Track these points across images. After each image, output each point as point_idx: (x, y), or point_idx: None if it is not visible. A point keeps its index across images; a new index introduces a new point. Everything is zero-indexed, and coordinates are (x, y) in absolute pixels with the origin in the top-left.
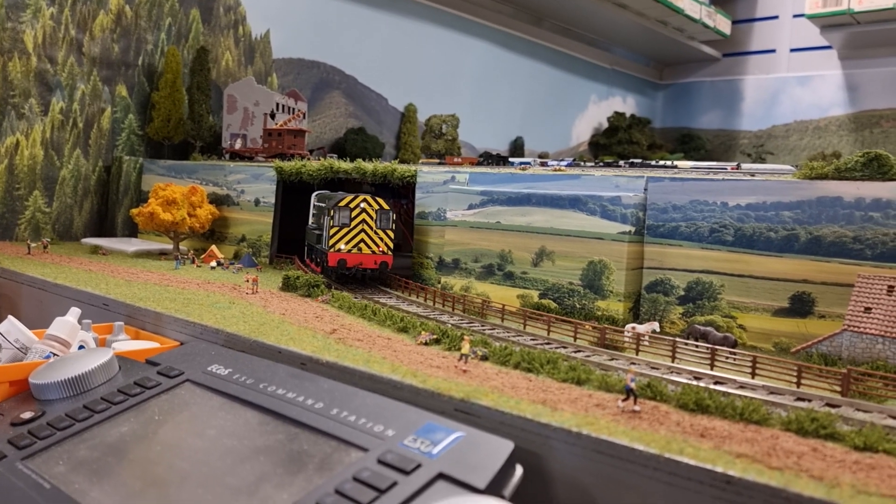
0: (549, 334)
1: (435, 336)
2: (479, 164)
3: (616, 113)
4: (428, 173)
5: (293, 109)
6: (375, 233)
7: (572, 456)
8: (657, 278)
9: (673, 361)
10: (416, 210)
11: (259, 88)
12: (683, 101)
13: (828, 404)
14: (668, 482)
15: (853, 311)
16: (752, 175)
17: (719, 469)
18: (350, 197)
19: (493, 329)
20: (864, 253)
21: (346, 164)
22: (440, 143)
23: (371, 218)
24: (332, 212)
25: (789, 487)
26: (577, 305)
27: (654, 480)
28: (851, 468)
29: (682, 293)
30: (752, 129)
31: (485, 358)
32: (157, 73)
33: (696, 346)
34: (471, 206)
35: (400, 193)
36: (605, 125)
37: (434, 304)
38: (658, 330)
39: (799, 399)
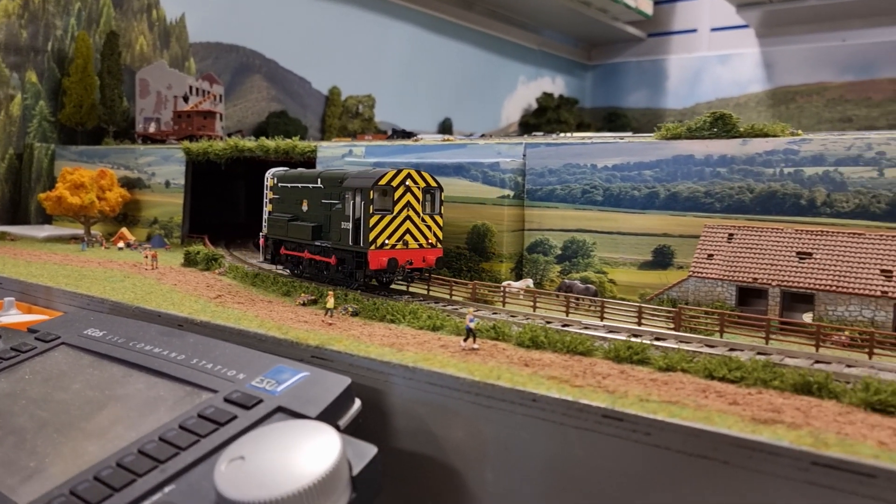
0: (428, 293)
1: (313, 297)
2: (388, 139)
3: (545, 93)
4: (327, 148)
5: (208, 93)
6: (422, 220)
7: (409, 389)
8: (537, 239)
9: (534, 310)
10: None
11: (171, 72)
12: (611, 80)
13: (656, 338)
14: (487, 405)
15: (698, 259)
16: (622, 138)
17: (528, 389)
18: (391, 172)
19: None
20: (714, 206)
21: (250, 143)
22: (356, 122)
23: (417, 200)
24: (369, 194)
25: (581, 400)
26: (464, 268)
27: (476, 405)
28: (646, 384)
29: (560, 252)
30: (677, 108)
31: (355, 313)
32: (67, 58)
33: (557, 296)
34: None
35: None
36: (535, 106)
37: None
38: (532, 286)
39: (633, 335)
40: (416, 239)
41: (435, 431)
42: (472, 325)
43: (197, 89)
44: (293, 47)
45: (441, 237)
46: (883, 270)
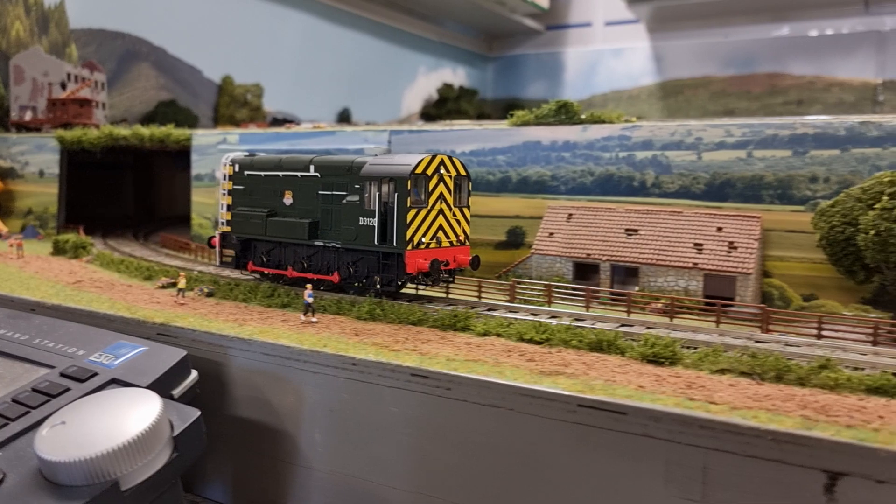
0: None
1: (172, 280)
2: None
3: (445, 84)
4: (203, 136)
5: (87, 80)
6: (453, 213)
7: (246, 360)
8: None
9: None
10: (193, 172)
11: (48, 58)
12: (512, 72)
13: (489, 308)
14: (314, 371)
15: (540, 237)
16: (480, 125)
17: (349, 354)
18: (427, 158)
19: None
20: (559, 189)
21: (124, 131)
22: (244, 111)
23: (449, 191)
24: (406, 184)
25: (393, 361)
26: None
27: (305, 371)
28: (460, 347)
29: None
30: (574, 99)
31: (210, 294)
32: None
33: None
34: None
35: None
36: (436, 96)
37: (210, 260)
38: None
39: (472, 307)
40: (447, 236)
41: (270, 398)
42: (309, 300)
43: (76, 76)
44: (183, 35)
45: (469, 233)
46: (695, 244)
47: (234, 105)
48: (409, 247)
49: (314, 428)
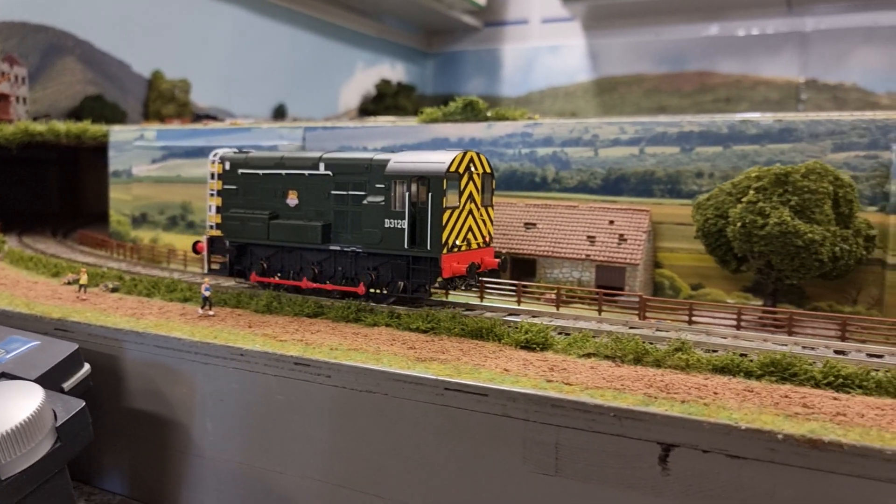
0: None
1: (76, 276)
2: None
3: (383, 80)
4: (120, 132)
5: (5, 74)
6: (480, 214)
7: (140, 353)
8: None
9: None
10: (111, 168)
11: None
12: (451, 68)
13: (394, 302)
14: (204, 362)
15: None
16: (392, 122)
17: (237, 345)
18: (458, 155)
19: (164, 271)
20: None
21: (40, 127)
22: (171, 107)
23: (477, 190)
24: (441, 183)
25: (278, 351)
26: None
27: (196, 363)
28: (347, 336)
29: None
30: (512, 95)
31: (115, 290)
32: None
33: None
34: (154, 161)
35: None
36: (374, 92)
37: (127, 257)
38: None
39: (373, 301)
40: (475, 237)
41: (163, 389)
42: (206, 294)
43: None
44: (111, 28)
45: (492, 234)
46: (588, 237)
47: (161, 101)
48: (445, 250)
49: (206, 417)
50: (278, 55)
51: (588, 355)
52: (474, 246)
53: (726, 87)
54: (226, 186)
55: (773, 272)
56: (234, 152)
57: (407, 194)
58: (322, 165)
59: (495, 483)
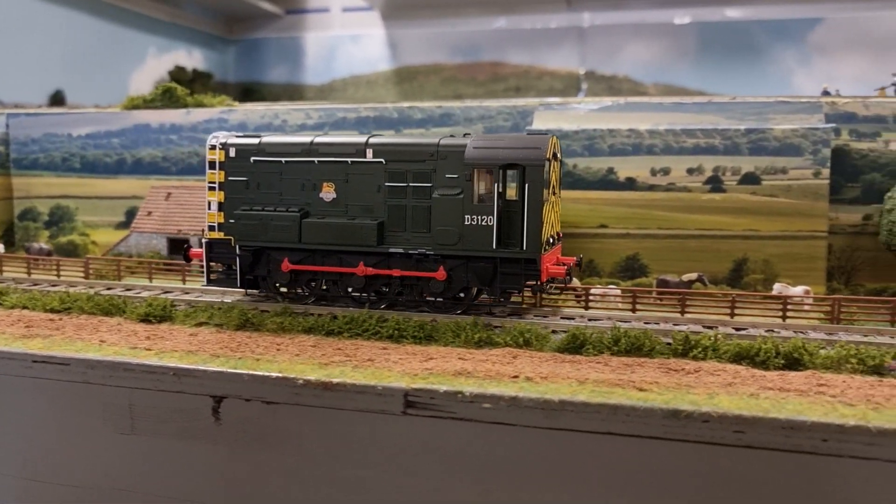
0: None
1: None
2: None
3: (177, 67)
4: None
5: None
6: (554, 206)
7: None
8: (26, 207)
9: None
10: None
11: None
12: (254, 56)
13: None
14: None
15: (140, 216)
16: (97, 109)
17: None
18: (550, 139)
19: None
20: (170, 169)
21: None
22: None
23: (557, 180)
24: (540, 172)
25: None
26: None
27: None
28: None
29: (47, 218)
30: (315, 83)
31: None
32: None
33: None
34: None
35: None
36: (168, 79)
37: None
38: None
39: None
40: (552, 237)
41: None
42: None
43: None
44: None
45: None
46: None
47: None
48: (542, 250)
49: None
50: (53, 39)
51: (200, 325)
52: (553, 243)
53: (516, 76)
54: (231, 178)
55: None
56: (255, 138)
57: (495, 185)
58: (370, 152)
59: (83, 447)
